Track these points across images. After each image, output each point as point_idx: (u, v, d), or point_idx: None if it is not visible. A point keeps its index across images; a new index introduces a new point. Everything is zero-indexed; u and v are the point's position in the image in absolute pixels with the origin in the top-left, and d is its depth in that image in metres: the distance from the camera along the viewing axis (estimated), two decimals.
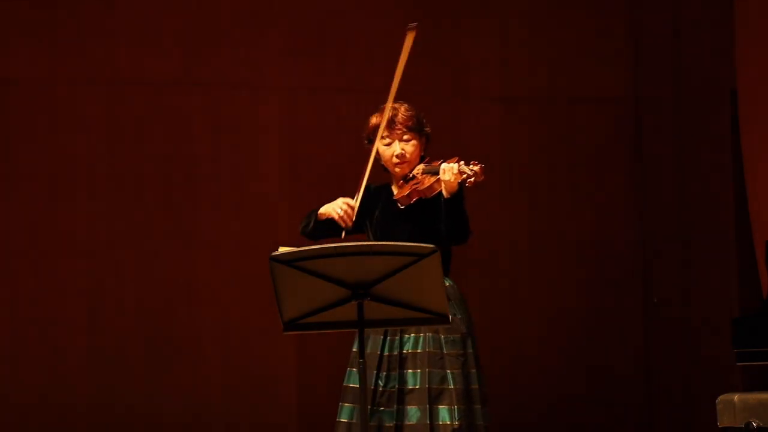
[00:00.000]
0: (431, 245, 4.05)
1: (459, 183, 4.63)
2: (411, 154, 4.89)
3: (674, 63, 7.56)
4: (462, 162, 4.62)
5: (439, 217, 4.73)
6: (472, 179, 4.55)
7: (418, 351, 4.70)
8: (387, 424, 4.68)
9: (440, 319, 4.17)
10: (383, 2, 7.43)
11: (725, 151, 7.26)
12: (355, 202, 4.81)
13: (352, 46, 7.39)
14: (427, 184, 4.72)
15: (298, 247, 4.10)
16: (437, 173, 4.72)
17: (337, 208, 4.82)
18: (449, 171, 4.63)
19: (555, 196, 7.59)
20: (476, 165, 4.57)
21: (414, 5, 7.46)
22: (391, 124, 4.88)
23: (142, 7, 7.13)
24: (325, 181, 7.25)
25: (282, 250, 4.12)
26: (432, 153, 5.06)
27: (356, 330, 4.74)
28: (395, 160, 4.88)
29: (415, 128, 4.91)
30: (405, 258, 4.03)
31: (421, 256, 4.03)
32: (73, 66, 7.02)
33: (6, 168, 6.92)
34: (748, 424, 5.42)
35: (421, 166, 4.85)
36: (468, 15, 7.53)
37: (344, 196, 4.89)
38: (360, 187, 4.81)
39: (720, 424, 5.54)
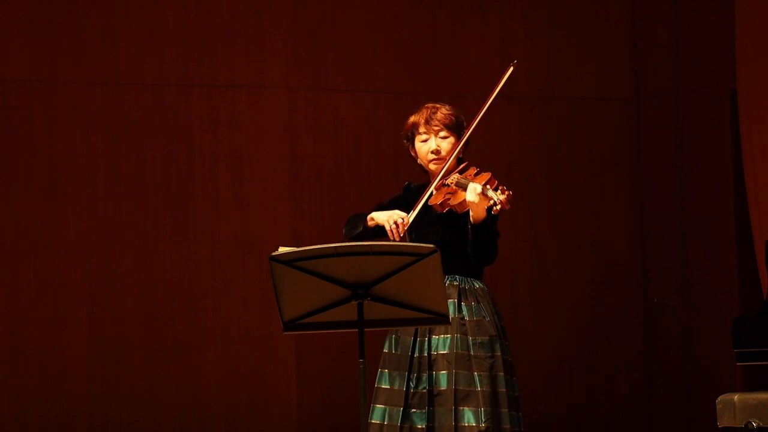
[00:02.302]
0: (431, 245, 4.03)
1: (486, 209, 4.53)
2: (447, 152, 4.83)
3: (674, 63, 7.56)
4: (488, 185, 4.51)
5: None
6: (498, 207, 4.44)
7: (447, 352, 4.67)
8: (418, 426, 4.65)
9: (440, 318, 4.16)
10: (383, 2, 7.43)
11: (725, 151, 7.27)
12: (409, 218, 4.73)
13: (352, 46, 7.39)
14: (460, 200, 4.61)
15: (298, 247, 4.09)
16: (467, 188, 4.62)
17: (390, 219, 4.72)
18: (473, 192, 4.53)
19: (555, 195, 7.59)
20: (503, 193, 4.46)
21: (415, 5, 7.46)
22: (429, 120, 4.86)
23: (142, 7, 7.13)
24: (325, 180, 7.26)
25: (282, 250, 4.11)
26: None
27: (386, 331, 4.75)
28: (431, 156, 4.84)
29: (453, 127, 4.87)
30: (405, 258, 4.01)
31: (421, 256, 4.02)
32: (73, 66, 7.01)
33: (6, 168, 6.91)
34: (748, 424, 5.41)
35: (456, 175, 4.76)
36: (468, 15, 7.53)
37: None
38: (417, 205, 4.70)
39: (720, 424, 5.54)
